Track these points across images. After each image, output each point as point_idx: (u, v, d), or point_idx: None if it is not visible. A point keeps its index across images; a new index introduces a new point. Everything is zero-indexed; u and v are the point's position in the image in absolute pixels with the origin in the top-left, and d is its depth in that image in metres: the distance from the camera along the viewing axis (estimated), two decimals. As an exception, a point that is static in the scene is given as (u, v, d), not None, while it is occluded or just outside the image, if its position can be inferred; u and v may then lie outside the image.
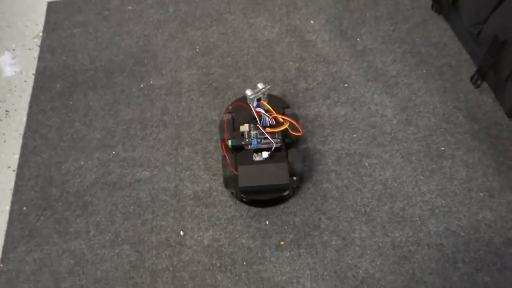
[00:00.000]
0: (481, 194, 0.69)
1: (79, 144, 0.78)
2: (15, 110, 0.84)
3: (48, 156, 0.77)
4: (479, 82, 0.80)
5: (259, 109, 0.70)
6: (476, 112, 0.77)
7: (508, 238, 0.65)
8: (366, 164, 0.73)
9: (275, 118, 0.70)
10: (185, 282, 0.64)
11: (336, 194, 0.70)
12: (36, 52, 0.91)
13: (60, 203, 0.72)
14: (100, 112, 0.81)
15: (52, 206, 0.71)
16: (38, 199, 0.72)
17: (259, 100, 0.71)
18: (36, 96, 0.84)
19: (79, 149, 0.77)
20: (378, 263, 0.64)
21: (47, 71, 0.87)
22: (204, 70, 0.86)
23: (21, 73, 0.88)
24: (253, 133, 0.71)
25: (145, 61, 0.88)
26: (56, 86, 0.85)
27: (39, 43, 0.92)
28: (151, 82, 0.85)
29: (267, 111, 0.71)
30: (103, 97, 0.83)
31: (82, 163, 0.76)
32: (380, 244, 0.66)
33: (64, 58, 0.89)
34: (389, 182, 0.71)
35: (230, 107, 0.75)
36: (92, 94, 0.84)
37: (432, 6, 0.91)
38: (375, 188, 0.71)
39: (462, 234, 0.66)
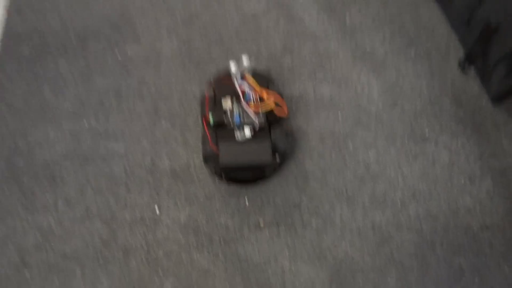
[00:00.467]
0: (462, 179, 0.69)
1: (48, 113, 0.73)
2: (-21, 73, 0.77)
3: (14, 125, 0.72)
4: (466, 67, 0.79)
5: (243, 85, 0.67)
6: (462, 97, 0.76)
7: (485, 224, 0.65)
8: (350, 145, 0.72)
9: (259, 95, 0.67)
10: (159, 261, 0.62)
11: (318, 175, 0.69)
12: (2, 12, 0.84)
13: (26, 175, 0.67)
14: (72, 80, 0.76)
15: (18, 178, 0.67)
16: (2, 170, 0.68)
17: (243, 75, 0.67)
18: (1, 60, 0.78)
19: (48, 118, 0.72)
20: (357, 244, 0.64)
21: (15, 33, 0.81)
22: (185, 40, 0.82)
23: (-14, 34, 0.82)
24: (235, 109, 0.67)
25: (122, 28, 0.83)
26: (24, 51, 0.79)
27: (6, 3, 0.85)
28: (128, 51, 0.80)
29: (251, 87, 0.67)
30: (75, 64, 0.78)
31: (51, 133, 0.71)
32: (360, 226, 0.65)
33: (33, 20, 0.82)
34: (372, 164, 0.70)
35: (212, 81, 0.72)
36: (63, 60, 0.78)
37: (423, -13, 0.88)
38: (357, 169, 0.69)
39: (442, 218, 0.66)
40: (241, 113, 0.67)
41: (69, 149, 0.70)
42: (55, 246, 0.62)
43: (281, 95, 0.69)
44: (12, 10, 0.84)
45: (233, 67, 0.66)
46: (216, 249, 0.63)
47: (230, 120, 0.67)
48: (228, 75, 0.68)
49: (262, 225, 0.64)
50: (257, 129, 0.66)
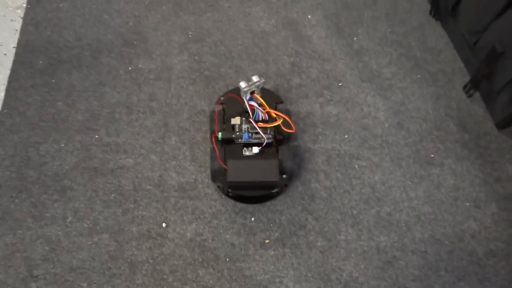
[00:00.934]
0: (467, 203, 0.69)
1: (60, 125, 0.74)
2: (-7, 84, 0.79)
3: (26, 135, 0.73)
4: (471, 91, 0.80)
5: (252, 103, 0.68)
6: (467, 122, 0.77)
7: (490, 249, 0.66)
8: (356, 166, 0.72)
9: (268, 113, 0.69)
10: (165, 276, 0.62)
11: (324, 195, 0.69)
12: (18, 24, 0.86)
13: (37, 186, 0.68)
14: (84, 93, 0.78)
15: (28, 188, 0.68)
16: (13, 180, 0.68)
17: (252, 93, 0.69)
18: (16, 71, 0.79)
19: (60, 130, 0.74)
20: (362, 267, 0.64)
21: (30, 45, 0.83)
22: (196, 57, 0.83)
23: (1, 45, 0.83)
24: (244, 126, 0.69)
25: (135, 43, 0.84)
26: (38, 62, 0.81)
27: (22, 15, 0.87)
28: (140, 65, 0.82)
29: (260, 105, 0.69)
30: (88, 78, 0.80)
31: (63, 145, 0.72)
32: (365, 248, 0.65)
33: (48, 33, 0.84)
34: (378, 186, 0.71)
35: (222, 98, 0.73)
36: (77, 73, 0.80)
37: (431, 11, 0.90)
38: (363, 191, 0.70)
39: (446, 242, 0.66)
40: (249, 130, 0.68)
41: (80, 161, 0.71)
42: (63, 259, 0.62)
43: (289, 113, 0.70)
44: (28, 22, 0.85)
45: (243, 85, 0.67)
46: (222, 266, 0.63)
47: (239, 137, 0.68)
48: (237, 92, 0.69)
49: (267, 243, 0.65)
50: (264, 146, 0.67)
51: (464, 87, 0.81)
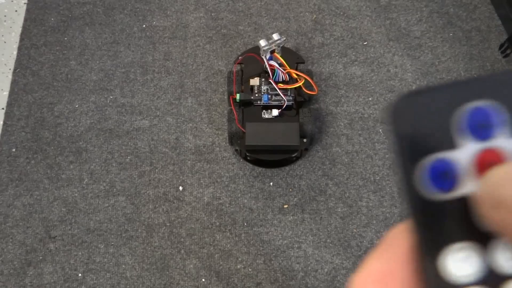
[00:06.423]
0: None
1: (74, 85, 0.72)
2: (5, 42, 0.77)
3: (40, 95, 0.71)
4: (508, 51, 0.74)
5: (272, 62, 0.65)
6: (502, 84, 0.72)
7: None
8: (380, 130, 0.69)
9: (289, 74, 0.65)
10: (182, 239, 0.61)
11: (346, 160, 0.67)
12: (28, -21, 0.82)
13: (52, 147, 0.67)
14: (98, 52, 0.75)
15: (43, 149, 0.67)
16: (29, 141, 0.68)
17: (272, 52, 0.65)
18: (28, 28, 0.77)
19: (74, 90, 0.72)
20: (383, 233, 0.62)
21: (41, 1, 0.79)
22: (212, 14, 0.79)
23: (12, 1, 0.80)
24: (263, 88, 0.65)
25: (149, -1, 0.80)
26: (50, 19, 0.78)
27: (31, -31, 0.83)
28: (154, 22, 0.78)
29: (280, 65, 0.65)
30: (101, 36, 0.77)
31: (77, 106, 0.70)
32: (387, 214, 0.63)
33: (59, -12, 0.81)
34: (403, 151, 0.67)
35: (240, 57, 0.69)
36: (89, 31, 0.77)
37: (467, -38, 0.83)
38: (387, 156, 0.67)
39: (473, 211, 0.63)
40: (269, 91, 0.65)
41: (94, 122, 0.69)
42: (80, 220, 0.62)
43: (310, 73, 0.66)
44: (38, -23, 0.82)
45: (262, 44, 0.63)
46: (239, 230, 0.62)
47: (258, 99, 0.65)
48: (256, 51, 0.66)
49: (286, 209, 0.63)
50: (284, 108, 0.64)
51: (501, 46, 0.75)
